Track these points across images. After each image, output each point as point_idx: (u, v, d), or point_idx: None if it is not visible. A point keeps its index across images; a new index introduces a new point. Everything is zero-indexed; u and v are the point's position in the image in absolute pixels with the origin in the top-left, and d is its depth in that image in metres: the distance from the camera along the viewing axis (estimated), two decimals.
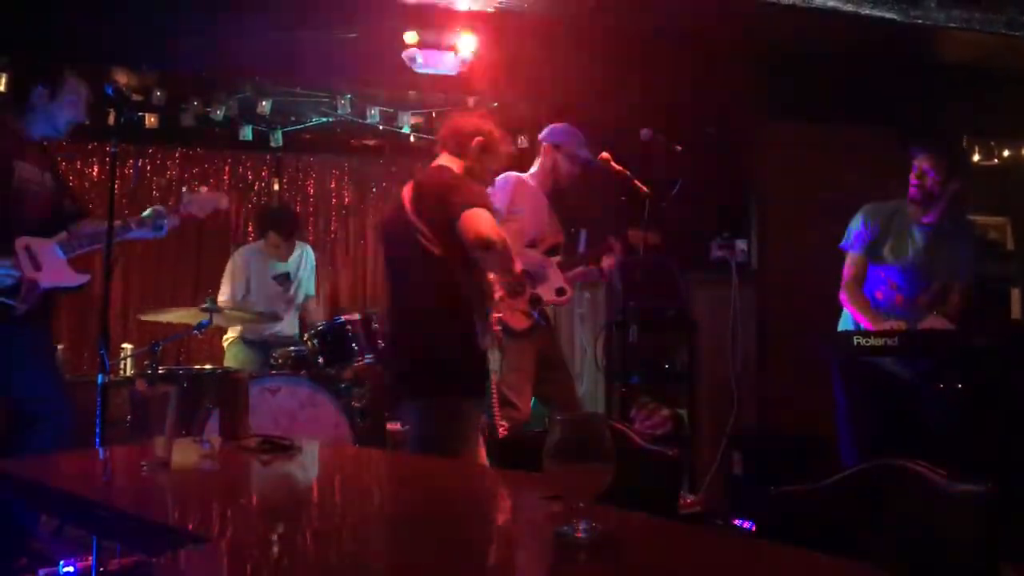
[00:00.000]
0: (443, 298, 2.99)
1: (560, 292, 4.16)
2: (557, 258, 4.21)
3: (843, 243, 3.95)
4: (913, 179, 3.72)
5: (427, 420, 3.00)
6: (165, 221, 3.63)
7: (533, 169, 4.30)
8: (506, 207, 4.03)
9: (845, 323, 3.94)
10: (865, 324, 3.78)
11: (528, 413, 4.11)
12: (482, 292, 3.06)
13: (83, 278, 3.50)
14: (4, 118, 3.46)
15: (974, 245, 3.83)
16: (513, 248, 3.83)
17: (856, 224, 3.92)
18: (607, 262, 4.27)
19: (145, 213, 3.62)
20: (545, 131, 4.33)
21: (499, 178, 4.19)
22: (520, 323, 3.99)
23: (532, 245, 4.14)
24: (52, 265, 3.40)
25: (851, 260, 3.92)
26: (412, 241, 3.00)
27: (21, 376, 3.34)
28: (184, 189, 3.81)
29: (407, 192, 3.11)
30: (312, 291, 5.70)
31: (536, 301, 4.06)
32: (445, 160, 3.16)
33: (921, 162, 3.71)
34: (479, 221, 2.84)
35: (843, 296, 3.90)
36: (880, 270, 3.88)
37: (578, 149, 4.22)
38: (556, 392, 4.20)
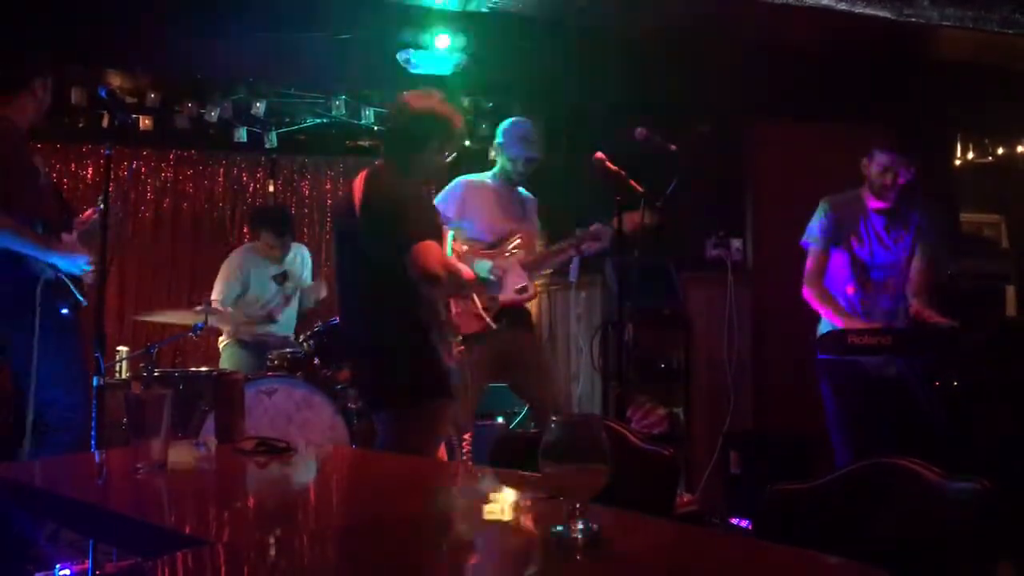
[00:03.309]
0: (392, 304, 2.91)
1: (521, 290, 4.10)
2: (519, 254, 4.16)
3: (803, 239, 4.03)
4: (882, 177, 3.86)
5: (392, 426, 2.95)
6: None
7: (496, 167, 4.32)
8: (455, 215, 4.06)
9: (824, 328, 3.96)
10: (837, 323, 3.82)
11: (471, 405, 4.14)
12: (434, 310, 2.95)
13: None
14: (8, 115, 3.38)
15: (933, 216, 3.98)
16: (467, 253, 3.86)
17: (816, 219, 4.02)
18: (589, 246, 4.25)
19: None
20: (499, 128, 4.31)
21: (448, 186, 4.23)
22: (470, 326, 3.89)
23: (492, 246, 4.14)
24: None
25: (812, 254, 4.01)
26: (360, 245, 2.93)
27: (58, 382, 3.30)
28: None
29: (358, 189, 2.97)
30: (310, 281, 5.70)
31: (492, 303, 4.02)
32: (391, 165, 3.01)
33: (885, 162, 3.84)
34: (427, 257, 2.76)
35: (808, 292, 3.98)
36: (846, 263, 3.93)
37: (513, 152, 4.18)
38: (530, 390, 4.24)
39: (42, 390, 3.27)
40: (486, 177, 4.27)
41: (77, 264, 3.34)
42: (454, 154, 3.19)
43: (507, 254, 4.12)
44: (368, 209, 2.92)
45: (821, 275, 3.98)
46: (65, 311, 3.31)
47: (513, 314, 4.13)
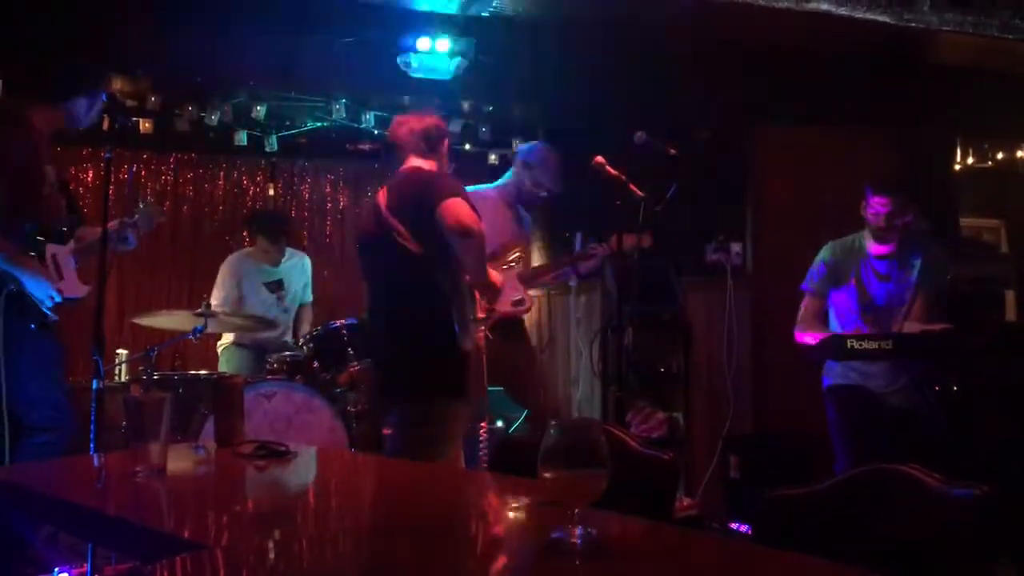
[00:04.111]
0: (421, 300, 3.02)
1: (517, 303, 4.19)
2: (517, 268, 4.23)
3: (803, 284, 4.02)
4: (876, 219, 3.78)
5: (408, 423, 3.01)
6: (130, 234, 3.61)
7: (502, 180, 4.33)
8: None
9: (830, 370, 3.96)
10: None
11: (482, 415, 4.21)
12: (461, 292, 3.06)
13: (86, 289, 3.47)
14: (30, 117, 3.37)
15: (934, 260, 3.89)
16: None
17: (815, 265, 4.00)
18: (585, 266, 4.30)
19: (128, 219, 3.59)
20: (524, 147, 4.35)
21: None
22: None
23: (491, 258, 4.17)
24: (69, 276, 3.39)
25: (808, 299, 4.00)
26: (389, 243, 3.02)
27: (34, 385, 3.30)
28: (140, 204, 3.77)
29: (382, 196, 3.16)
30: (309, 298, 5.69)
31: (489, 313, 4.08)
32: (417, 162, 3.21)
33: (879, 205, 3.76)
34: (459, 209, 2.90)
35: (799, 331, 3.96)
36: (850, 309, 3.90)
37: (543, 180, 4.22)
38: (524, 396, 4.34)
39: (20, 390, 3.26)
40: (489, 189, 4.29)
41: (41, 289, 3.27)
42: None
43: (505, 267, 4.17)
44: (396, 196, 3.10)
45: (814, 319, 3.96)
46: (32, 327, 3.28)
47: (507, 325, 4.19)
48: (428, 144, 3.22)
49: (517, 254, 4.22)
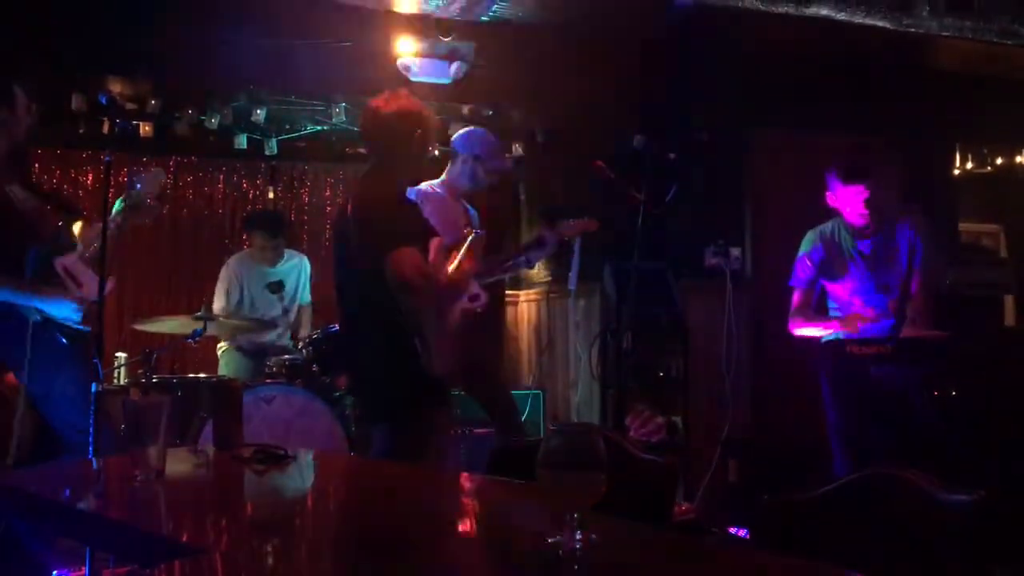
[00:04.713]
0: (385, 313, 2.88)
1: (473, 298, 4.10)
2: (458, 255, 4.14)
3: (791, 280, 4.02)
4: (855, 208, 3.76)
5: (385, 441, 2.94)
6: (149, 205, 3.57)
7: (447, 175, 4.13)
8: None
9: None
10: (835, 328, 3.82)
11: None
12: (416, 317, 2.89)
13: (108, 285, 3.42)
14: None
15: (924, 232, 3.89)
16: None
17: (800, 260, 3.99)
18: (535, 254, 4.23)
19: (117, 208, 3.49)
20: (461, 138, 4.11)
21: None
22: None
23: (446, 253, 4.09)
24: (87, 279, 3.36)
25: (798, 293, 4.00)
26: (352, 251, 2.96)
27: (76, 408, 3.20)
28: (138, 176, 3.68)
29: (351, 199, 3.02)
30: (307, 299, 5.69)
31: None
32: (384, 169, 3.02)
33: (856, 191, 3.74)
34: (402, 264, 2.73)
35: (794, 323, 3.95)
36: (843, 293, 3.90)
37: (496, 160, 4.10)
38: (480, 393, 4.21)
39: (61, 413, 3.24)
40: (436, 186, 4.10)
41: (61, 310, 3.23)
42: (435, 152, 3.17)
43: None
44: (355, 216, 2.94)
45: (807, 309, 3.95)
46: (64, 341, 3.26)
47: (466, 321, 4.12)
48: (394, 139, 2.97)
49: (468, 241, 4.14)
